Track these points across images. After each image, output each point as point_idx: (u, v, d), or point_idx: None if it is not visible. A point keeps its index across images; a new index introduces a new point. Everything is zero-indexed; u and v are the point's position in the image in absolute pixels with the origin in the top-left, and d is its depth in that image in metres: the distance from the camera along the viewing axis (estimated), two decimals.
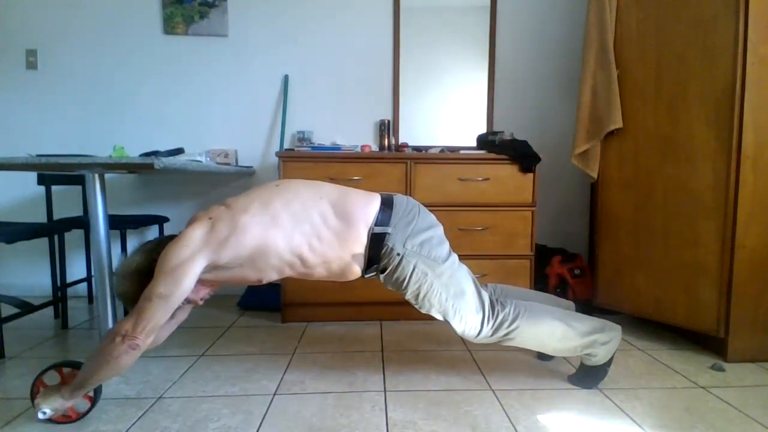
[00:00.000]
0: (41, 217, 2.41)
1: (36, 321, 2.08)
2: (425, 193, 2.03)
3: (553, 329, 1.33)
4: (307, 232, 1.19)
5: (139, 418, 1.24)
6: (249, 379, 1.49)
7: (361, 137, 2.55)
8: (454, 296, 1.28)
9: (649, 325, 1.99)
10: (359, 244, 1.22)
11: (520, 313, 1.32)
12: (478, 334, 1.31)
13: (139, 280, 1.17)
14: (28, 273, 2.54)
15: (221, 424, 1.21)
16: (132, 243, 2.56)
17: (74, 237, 2.44)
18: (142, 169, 1.62)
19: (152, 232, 2.56)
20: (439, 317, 1.31)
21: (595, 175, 1.97)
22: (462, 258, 2.05)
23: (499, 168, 2.04)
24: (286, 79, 2.51)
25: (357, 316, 2.11)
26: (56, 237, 2.02)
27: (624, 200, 1.88)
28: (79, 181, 2.27)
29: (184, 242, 1.13)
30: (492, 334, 1.31)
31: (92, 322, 2.09)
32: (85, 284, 2.42)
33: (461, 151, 2.18)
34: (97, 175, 1.54)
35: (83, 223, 2.16)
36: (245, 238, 1.15)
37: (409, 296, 1.30)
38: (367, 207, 1.25)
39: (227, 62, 2.51)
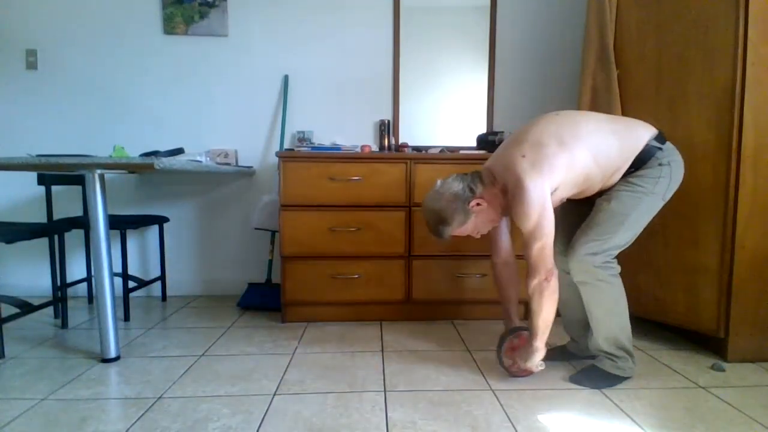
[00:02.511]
0: (41, 217, 2.41)
1: (36, 321, 2.08)
2: (425, 192, 2.02)
3: (623, 316, 1.43)
4: (594, 150, 1.32)
5: (139, 418, 1.24)
6: (249, 379, 1.49)
7: (361, 137, 2.55)
8: (631, 221, 1.35)
9: (649, 325, 1.99)
10: (633, 153, 1.34)
11: (620, 279, 1.42)
12: (595, 255, 1.36)
13: (453, 203, 1.38)
14: (28, 273, 2.54)
15: (221, 424, 1.21)
16: (132, 243, 2.56)
17: (74, 237, 2.45)
18: (142, 169, 1.62)
19: (152, 232, 2.56)
20: (600, 215, 1.36)
21: None
22: (462, 258, 2.07)
23: None
24: (286, 79, 2.51)
25: (357, 316, 2.11)
26: (56, 237, 2.02)
27: None
28: (79, 181, 2.27)
29: (529, 185, 1.27)
30: (598, 265, 1.37)
31: (92, 322, 2.09)
32: (85, 284, 2.42)
33: (461, 151, 2.18)
34: (97, 175, 1.55)
35: (83, 223, 2.16)
36: (557, 165, 1.30)
37: (618, 189, 1.36)
38: (646, 128, 1.38)
39: (227, 62, 2.51)
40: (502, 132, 2.13)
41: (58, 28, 2.46)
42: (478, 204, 1.39)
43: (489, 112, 2.55)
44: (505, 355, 1.51)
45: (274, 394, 1.38)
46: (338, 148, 2.11)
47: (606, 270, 1.38)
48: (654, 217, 1.38)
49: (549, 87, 2.58)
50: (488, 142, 2.12)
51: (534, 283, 1.33)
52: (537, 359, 1.41)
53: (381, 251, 2.03)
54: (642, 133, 1.35)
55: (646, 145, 1.33)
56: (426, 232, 2.04)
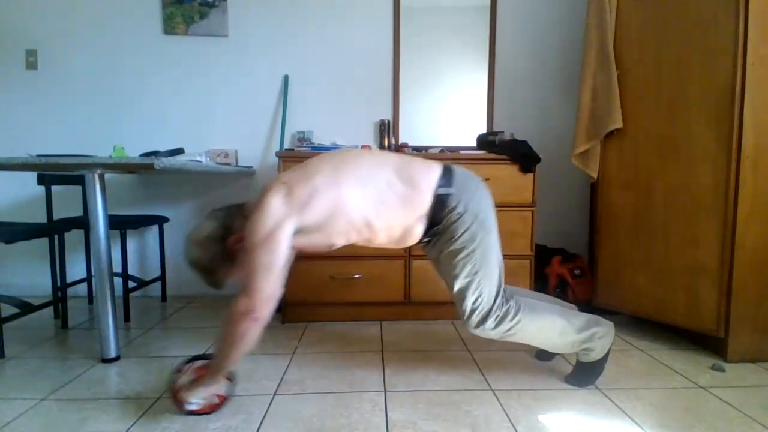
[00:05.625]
0: (41, 217, 2.41)
1: (36, 321, 2.08)
2: None
3: (553, 324, 1.35)
4: (374, 196, 1.21)
5: (139, 418, 1.24)
6: (249, 379, 1.49)
7: (361, 137, 2.55)
8: (484, 270, 1.28)
9: (649, 325, 1.99)
10: (423, 206, 1.24)
11: (521, 307, 1.33)
12: (483, 321, 1.30)
13: (210, 247, 1.20)
14: (28, 273, 2.54)
15: (221, 424, 1.21)
16: (132, 243, 2.56)
17: (74, 237, 2.44)
18: (142, 169, 1.62)
19: (152, 232, 2.56)
20: (458, 287, 1.29)
21: (595, 175, 1.97)
22: None
23: (499, 168, 2.04)
24: (286, 79, 2.51)
25: (357, 316, 2.11)
26: (56, 237, 2.02)
27: (624, 200, 1.88)
28: (79, 181, 2.27)
29: (267, 211, 1.14)
30: (495, 327, 1.31)
31: (92, 322, 2.09)
32: (85, 284, 2.41)
33: (461, 152, 2.18)
34: (97, 175, 1.55)
35: (83, 223, 2.16)
36: (323, 199, 1.17)
37: (445, 254, 1.29)
38: (429, 172, 1.27)
39: (227, 62, 2.52)
40: (502, 132, 2.13)
41: (58, 28, 2.46)
42: (240, 240, 1.19)
43: (489, 112, 2.55)
44: (189, 374, 1.25)
45: (274, 394, 1.38)
46: (338, 148, 2.11)
47: (504, 321, 1.30)
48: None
49: (549, 87, 2.58)
50: (488, 142, 2.12)
51: (234, 306, 1.12)
52: (199, 393, 1.21)
53: (381, 252, 2.03)
54: (426, 182, 1.24)
55: (434, 196, 1.23)
56: None
